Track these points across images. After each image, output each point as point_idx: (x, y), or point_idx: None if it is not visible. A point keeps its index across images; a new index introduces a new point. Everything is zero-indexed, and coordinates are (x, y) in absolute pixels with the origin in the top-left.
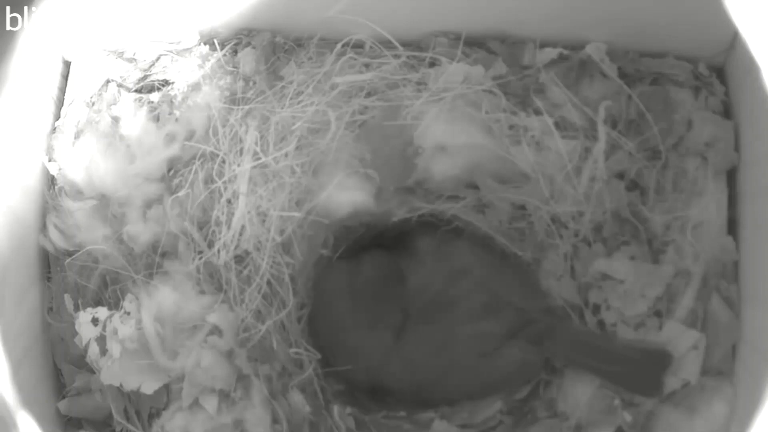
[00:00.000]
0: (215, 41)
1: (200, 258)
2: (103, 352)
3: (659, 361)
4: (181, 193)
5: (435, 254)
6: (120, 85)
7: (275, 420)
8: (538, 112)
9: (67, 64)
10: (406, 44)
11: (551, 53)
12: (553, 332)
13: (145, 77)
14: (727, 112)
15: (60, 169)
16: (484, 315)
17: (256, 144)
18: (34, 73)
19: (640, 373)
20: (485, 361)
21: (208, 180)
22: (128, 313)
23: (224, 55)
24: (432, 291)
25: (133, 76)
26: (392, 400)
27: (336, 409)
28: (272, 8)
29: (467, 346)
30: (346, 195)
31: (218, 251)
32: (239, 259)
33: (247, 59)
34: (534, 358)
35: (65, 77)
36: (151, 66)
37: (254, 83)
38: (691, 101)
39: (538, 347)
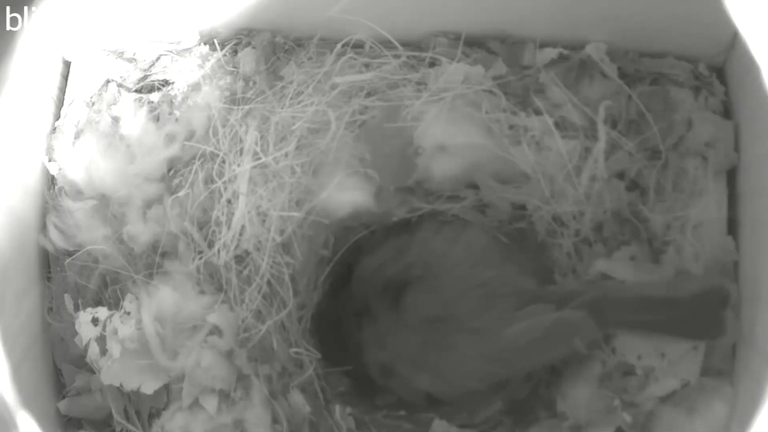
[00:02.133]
0: (215, 41)
1: (200, 258)
2: (103, 352)
3: (716, 297)
4: (181, 193)
5: (437, 228)
6: (120, 85)
7: (275, 420)
8: (538, 112)
9: (67, 64)
10: (406, 44)
11: (551, 53)
12: (598, 301)
13: (145, 77)
14: (727, 112)
15: (60, 169)
16: (488, 274)
17: (256, 144)
18: (34, 73)
19: (698, 315)
20: (504, 324)
21: (208, 180)
22: (128, 313)
23: (224, 55)
24: (432, 251)
25: (133, 76)
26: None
27: (336, 409)
28: (272, 8)
29: (475, 304)
30: (346, 195)
31: (218, 251)
32: (239, 259)
33: (247, 59)
34: (574, 317)
35: (65, 77)
36: (151, 66)
37: (254, 83)
38: (691, 101)
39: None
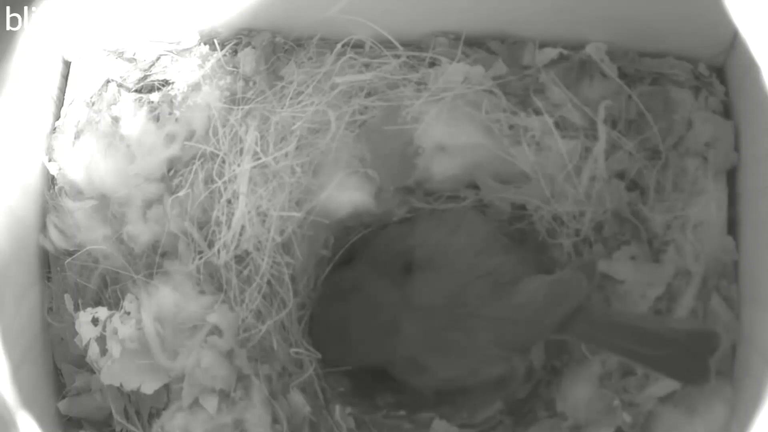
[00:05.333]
0: (215, 41)
1: (200, 258)
2: (103, 352)
3: (706, 343)
4: (181, 193)
5: (436, 222)
6: (120, 85)
7: (275, 420)
8: (538, 112)
9: (67, 64)
10: (406, 44)
11: (551, 53)
12: (583, 313)
13: (145, 77)
14: (727, 112)
15: (60, 169)
16: (493, 263)
17: (256, 144)
18: (34, 73)
19: (684, 357)
20: (506, 293)
21: (208, 180)
22: (128, 313)
23: (224, 55)
24: (435, 243)
25: (133, 76)
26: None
27: (336, 409)
28: (272, 8)
29: (483, 292)
30: (346, 195)
31: (218, 251)
32: (239, 259)
33: (247, 59)
34: (566, 275)
35: (65, 77)
36: (151, 66)
37: (254, 83)
38: (691, 101)
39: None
